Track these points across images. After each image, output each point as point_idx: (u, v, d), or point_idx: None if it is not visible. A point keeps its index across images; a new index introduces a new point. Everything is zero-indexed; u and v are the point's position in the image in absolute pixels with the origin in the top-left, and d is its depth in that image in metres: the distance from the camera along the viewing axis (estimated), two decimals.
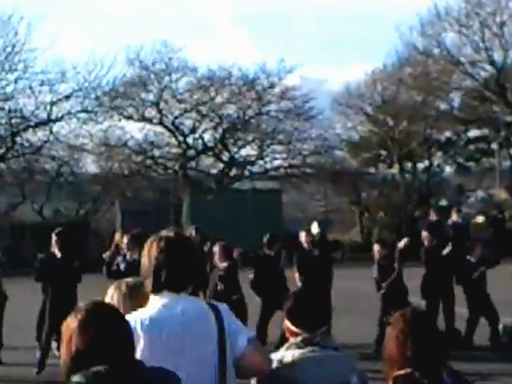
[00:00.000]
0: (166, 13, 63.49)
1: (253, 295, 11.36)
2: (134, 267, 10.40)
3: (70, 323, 2.86)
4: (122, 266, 11.27)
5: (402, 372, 3.17)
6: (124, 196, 34.18)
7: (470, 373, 8.14)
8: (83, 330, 2.82)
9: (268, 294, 11.07)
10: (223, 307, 3.43)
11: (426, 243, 11.82)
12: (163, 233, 3.42)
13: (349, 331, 11.16)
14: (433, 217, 17.50)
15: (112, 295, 3.63)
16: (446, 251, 11.59)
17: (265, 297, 11.20)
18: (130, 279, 3.72)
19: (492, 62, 32.76)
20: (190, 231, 13.69)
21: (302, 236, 12.20)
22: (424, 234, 11.90)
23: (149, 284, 3.33)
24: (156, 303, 3.30)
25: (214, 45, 65.58)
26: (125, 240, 11.47)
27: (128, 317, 3.09)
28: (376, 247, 11.68)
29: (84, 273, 10.87)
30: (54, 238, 10.62)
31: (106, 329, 2.84)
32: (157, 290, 3.31)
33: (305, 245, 12.07)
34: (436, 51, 33.12)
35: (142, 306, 3.39)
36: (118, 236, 12.33)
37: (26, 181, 33.15)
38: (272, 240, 11.83)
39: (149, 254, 3.33)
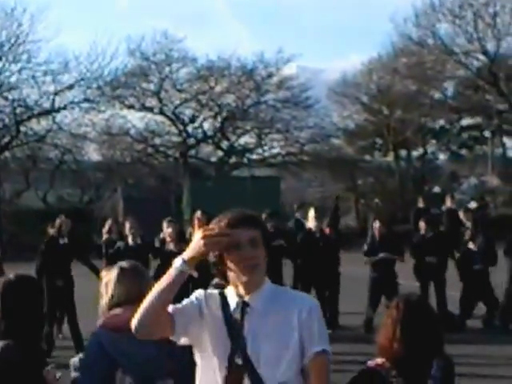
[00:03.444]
0: (166, 3, 63.94)
1: None
2: (134, 251, 11.06)
3: None
4: (122, 248, 11.82)
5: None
6: (126, 183, 34.82)
7: (463, 355, 8.25)
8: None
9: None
10: None
11: (422, 232, 12.07)
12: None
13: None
14: (420, 204, 17.35)
15: (107, 277, 3.68)
16: (430, 259, 11.64)
17: None
18: (124, 262, 3.75)
19: (485, 52, 32.99)
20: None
21: (311, 212, 11.84)
22: (421, 223, 12.15)
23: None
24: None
25: (213, 35, 66.13)
26: (127, 225, 12.07)
27: None
28: (376, 224, 11.84)
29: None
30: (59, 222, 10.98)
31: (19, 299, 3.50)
32: None
33: (312, 224, 11.72)
34: (430, 41, 33.34)
35: (137, 288, 3.45)
36: (108, 223, 12.78)
37: (30, 169, 33.80)
38: (271, 215, 11.87)
39: None
